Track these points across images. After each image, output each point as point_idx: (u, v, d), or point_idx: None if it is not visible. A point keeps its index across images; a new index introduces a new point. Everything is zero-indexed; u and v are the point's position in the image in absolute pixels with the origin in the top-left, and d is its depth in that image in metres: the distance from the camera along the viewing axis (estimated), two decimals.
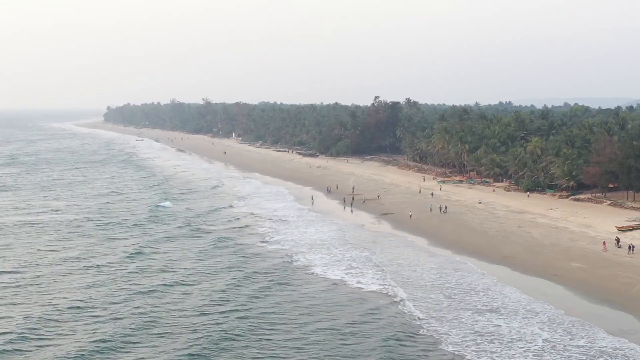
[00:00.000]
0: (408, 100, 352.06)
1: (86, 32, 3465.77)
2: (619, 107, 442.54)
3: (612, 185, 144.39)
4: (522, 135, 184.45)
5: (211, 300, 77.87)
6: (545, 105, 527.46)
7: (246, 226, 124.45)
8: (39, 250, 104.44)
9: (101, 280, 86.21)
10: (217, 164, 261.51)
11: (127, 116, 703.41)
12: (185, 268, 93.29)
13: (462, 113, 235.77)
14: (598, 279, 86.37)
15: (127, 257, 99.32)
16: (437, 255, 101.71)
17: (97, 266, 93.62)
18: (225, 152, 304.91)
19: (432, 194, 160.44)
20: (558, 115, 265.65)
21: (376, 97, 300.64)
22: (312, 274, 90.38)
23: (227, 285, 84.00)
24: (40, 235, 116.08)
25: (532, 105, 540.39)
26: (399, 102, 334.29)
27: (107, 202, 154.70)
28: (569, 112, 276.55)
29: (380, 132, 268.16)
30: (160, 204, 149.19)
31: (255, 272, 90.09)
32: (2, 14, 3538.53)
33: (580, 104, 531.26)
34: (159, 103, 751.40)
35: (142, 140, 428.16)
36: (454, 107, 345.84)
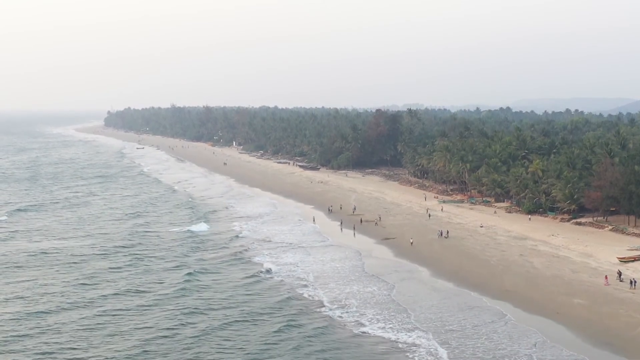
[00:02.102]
0: (409, 110, 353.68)
1: (85, 33, 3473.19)
2: (619, 116, 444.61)
3: (614, 209, 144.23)
4: (523, 154, 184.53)
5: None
6: (545, 111, 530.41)
7: (267, 254, 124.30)
8: (83, 284, 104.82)
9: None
10: (218, 176, 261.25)
11: (128, 121, 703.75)
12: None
13: (463, 130, 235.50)
14: (600, 317, 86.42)
15: (176, 294, 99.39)
16: (440, 290, 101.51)
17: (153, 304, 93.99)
18: (225, 164, 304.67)
19: (429, 216, 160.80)
20: (559, 127, 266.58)
21: (378, 110, 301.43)
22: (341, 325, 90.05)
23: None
24: (78, 268, 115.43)
25: (532, 111, 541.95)
26: (399, 114, 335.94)
27: (134, 229, 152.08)
28: (570, 125, 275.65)
29: (381, 145, 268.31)
30: (192, 228, 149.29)
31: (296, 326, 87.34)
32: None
33: (580, 110, 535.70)
34: (159, 108, 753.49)
35: (142, 148, 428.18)
36: (454, 118, 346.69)
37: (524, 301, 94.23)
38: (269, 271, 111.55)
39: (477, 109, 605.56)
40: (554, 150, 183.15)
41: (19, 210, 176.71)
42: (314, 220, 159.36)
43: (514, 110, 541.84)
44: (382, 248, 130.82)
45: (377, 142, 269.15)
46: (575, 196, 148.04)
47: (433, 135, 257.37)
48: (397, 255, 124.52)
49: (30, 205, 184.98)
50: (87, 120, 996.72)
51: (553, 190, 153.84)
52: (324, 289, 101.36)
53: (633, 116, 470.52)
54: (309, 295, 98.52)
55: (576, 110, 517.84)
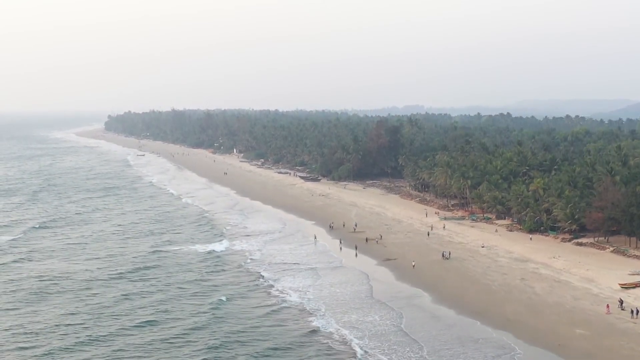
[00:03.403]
0: (410, 119, 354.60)
1: (84, 33, 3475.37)
2: (620, 123, 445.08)
3: (615, 229, 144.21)
4: (525, 170, 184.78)
5: None
6: (546, 116, 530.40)
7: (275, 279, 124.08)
8: (100, 315, 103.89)
9: None
10: (219, 188, 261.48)
11: (128, 126, 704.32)
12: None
13: (464, 144, 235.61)
14: (602, 350, 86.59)
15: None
16: (441, 318, 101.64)
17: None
18: (226, 173, 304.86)
19: (428, 234, 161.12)
20: (560, 138, 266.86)
21: (379, 122, 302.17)
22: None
23: None
24: (95, 295, 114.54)
25: (532, 117, 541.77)
26: (400, 123, 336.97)
27: (152, 248, 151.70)
28: (570, 137, 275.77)
29: (382, 157, 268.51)
30: (213, 248, 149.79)
31: None
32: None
33: (581, 115, 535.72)
34: (159, 112, 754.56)
35: (143, 155, 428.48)
36: (454, 127, 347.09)
37: (526, 331, 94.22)
38: (284, 300, 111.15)
39: (478, 114, 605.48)
40: (555, 167, 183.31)
41: (33, 228, 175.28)
42: (315, 238, 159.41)
43: (514, 115, 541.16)
44: (384, 270, 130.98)
45: (378, 154, 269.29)
46: (577, 216, 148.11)
47: (434, 146, 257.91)
48: (399, 278, 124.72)
49: (46, 222, 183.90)
50: (87, 122, 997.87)
51: (554, 210, 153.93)
52: (338, 321, 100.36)
53: (634, 121, 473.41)
54: (322, 326, 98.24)
55: (577, 116, 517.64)
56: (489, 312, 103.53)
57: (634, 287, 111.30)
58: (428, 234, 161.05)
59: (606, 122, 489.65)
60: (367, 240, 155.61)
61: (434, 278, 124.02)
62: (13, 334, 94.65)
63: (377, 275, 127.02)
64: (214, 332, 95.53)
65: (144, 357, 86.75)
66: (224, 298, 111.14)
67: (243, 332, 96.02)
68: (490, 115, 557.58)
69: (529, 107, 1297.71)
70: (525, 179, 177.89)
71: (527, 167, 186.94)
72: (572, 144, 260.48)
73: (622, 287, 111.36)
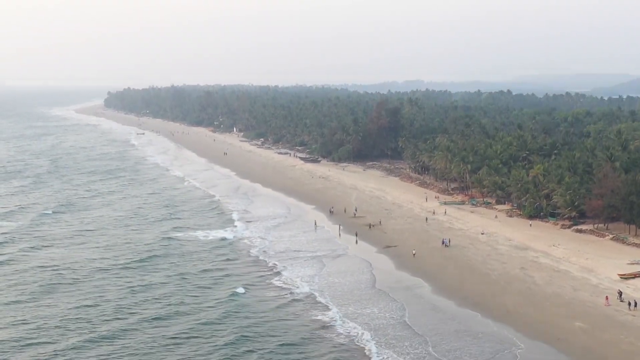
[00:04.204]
0: (410, 99, 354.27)
1: (82, 7, 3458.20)
2: (620, 100, 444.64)
3: (614, 215, 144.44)
4: (524, 155, 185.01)
5: None
6: (546, 94, 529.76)
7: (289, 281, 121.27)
8: (118, 307, 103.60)
9: None
10: (220, 169, 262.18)
11: (128, 103, 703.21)
12: None
13: (464, 127, 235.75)
14: (601, 345, 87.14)
15: None
16: (443, 310, 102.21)
17: None
18: (226, 154, 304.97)
19: (426, 219, 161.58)
20: (560, 119, 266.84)
21: (379, 104, 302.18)
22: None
23: None
24: (108, 286, 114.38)
25: (532, 94, 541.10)
26: (400, 103, 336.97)
27: (165, 235, 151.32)
28: (571, 117, 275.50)
29: (382, 138, 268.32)
30: (221, 235, 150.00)
31: None
32: None
33: (581, 92, 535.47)
34: (159, 88, 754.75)
35: (143, 133, 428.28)
36: (454, 107, 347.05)
37: (526, 324, 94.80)
38: (292, 291, 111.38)
39: (478, 90, 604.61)
40: (555, 152, 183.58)
41: (39, 214, 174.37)
42: (315, 224, 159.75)
43: (514, 93, 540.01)
44: (384, 258, 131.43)
45: (378, 135, 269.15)
46: (576, 203, 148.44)
47: (434, 128, 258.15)
48: (399, 267, 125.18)
49: (52, 207, 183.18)
50: (86, 98, 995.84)
51: (554, 196, 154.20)
52: (346, 314, 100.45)
53: (635, 99, 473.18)
54: (332, 320, 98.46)
55: (577, 94, 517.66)
56: (489, 303, 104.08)
57: (633, 278, 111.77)
58: (426, 220, 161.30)
59: (606, 99, 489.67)
60: (370, 226, 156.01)
61: (434, 267, 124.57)
62: (20, 329, 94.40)
63: (378, 263, 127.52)
64: (229, 326, 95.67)
65: (157, 353, 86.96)
66: (238, 290, 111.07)
67: (256, 326, 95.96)
68: (490, 93, 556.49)
69: (529, 81, 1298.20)
70: (525, 164, 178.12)
71: (527, 152, 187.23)
72: (573, 125, 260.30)
73: (622, 278, 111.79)
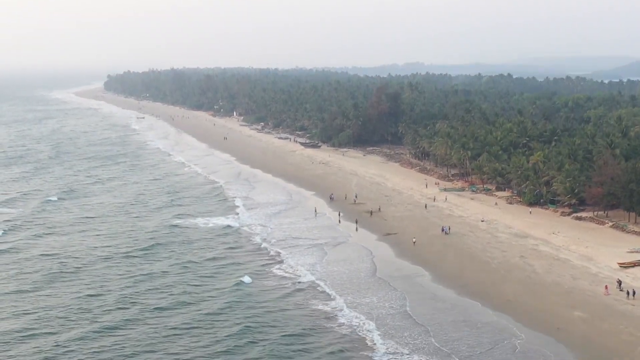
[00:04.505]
0: (410, 83, 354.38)
1: None
2: (620, 84, 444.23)
3: (614, 203, 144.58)
4: (525, 142, 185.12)
5: None
6: (547, 77, 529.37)
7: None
8: (123, 297, 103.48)
9: None
10: (220, 154, 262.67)
11: (128, 86, 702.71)
12: None
13: (465, 113, 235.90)
14: (600, 335, 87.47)
15: None
16: (443, 299, 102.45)
17: None
18: (226, 138, 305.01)
19: (425, 206, 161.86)
20: (561, 104, 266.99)
21: (379, 88, 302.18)
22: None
23: None
24: (113, 275, 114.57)
25: (533, 78, 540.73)
26: (400, 88, 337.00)
27: (169, 222, 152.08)
28: (571, 102, 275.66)
29: (382, 123, 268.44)
30: (224, 223, 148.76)
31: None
32: None
33: (582, 75, 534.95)
34: (158, 71, 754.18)
35: (143, 117, 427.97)
36: (455, 91, 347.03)
37: (526, 314, 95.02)
38: (296, 280, 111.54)
39: (479, 74, 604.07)
40: (555, 138, 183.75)
41: (41, 201, 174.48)
42: (315, 211, 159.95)
43: (515, 76, 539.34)
44: (384, 246, 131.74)
45: (379, 121, 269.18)
46: (576, 190, 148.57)
47: (434, 113, 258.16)
48: (399, 255, 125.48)
49: (55, 194, 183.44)
50: (86, 81, 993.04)
51: (554, 183, 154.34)
52: (348, 304, 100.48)
53: (635, 82, 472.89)
54: (335, 310, 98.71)
55: (577, 77, 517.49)
56: (489, 292, 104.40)
57: (632, 267, 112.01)
58: (425, 207, 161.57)
59: (607, 82, 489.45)
60: (371, 213, 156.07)
61: (434, 255, 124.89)
62: (23, 319, 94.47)
63: (378, 251, 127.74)
64: (232, 317, 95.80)
65: (161, 343, 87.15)
66: (244, 279, 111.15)
67: (259, 316, 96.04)
68: (490, 76, 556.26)
69: (530, 63, 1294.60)
70: (525, 151, 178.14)
71: (527, 138, 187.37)
72: (573, 110, 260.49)
73: (621, 267, 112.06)
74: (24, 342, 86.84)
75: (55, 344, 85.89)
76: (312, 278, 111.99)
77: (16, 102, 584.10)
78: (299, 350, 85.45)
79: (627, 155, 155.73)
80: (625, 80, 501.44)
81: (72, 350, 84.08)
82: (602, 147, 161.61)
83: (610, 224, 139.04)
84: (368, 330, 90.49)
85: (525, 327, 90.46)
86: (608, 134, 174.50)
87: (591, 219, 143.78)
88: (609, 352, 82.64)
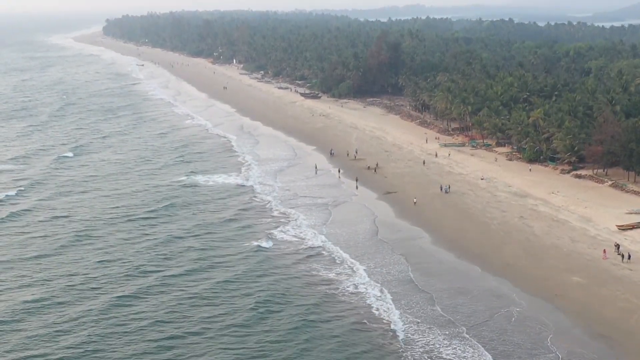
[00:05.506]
0: (410, 31, 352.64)
1: None
2: (622, 29, 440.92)
3: (614, 161, 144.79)
4: (525, 96, 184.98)
5: None
6: (548, 22, 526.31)
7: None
8: (139, 266, 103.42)
9: None
10: (221, 105, 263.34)
11: (126, 31, 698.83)
12: None
13: (466, 65, 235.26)
14: (598, 301, 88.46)
15: None
16: (443, 263, 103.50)
17: None
18: (225, 88, 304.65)
19: (423, 162, 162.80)
20: (562, 53, 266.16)
21: (379, 37, 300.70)
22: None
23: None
24: (128, 236, 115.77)
25: (534, 23, 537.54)
26: (401, 36, 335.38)
27: (185, 180, 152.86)
28: (572, 52, 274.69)
29: (382, 74, 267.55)
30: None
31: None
32: None
33: (583, 21, 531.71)
34: (157, 16, 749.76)
35: (142, 65, 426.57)
36: (455, 39, 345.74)
37: (525, 279, 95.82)
38: (306, 244, 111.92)
39: (479, 19, 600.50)
40: (556, 93, 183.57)
41: (53, 158, 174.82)
42: (316, 167, 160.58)
43: (516, 21, 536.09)
44: (384, 206, 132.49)
45: (379, 71, 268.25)
46: (576, 148, 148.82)
47: (435, 63, 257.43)
48: (399, 215, 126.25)
49: (65, 150, 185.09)
50: (84, 25, 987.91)
51: (554, 140, 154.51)
52: (355, 268, 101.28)
53: (637, 27, 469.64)
54: (342, 274, 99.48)
55: (579, 23, 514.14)
56: (489, 255, 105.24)
57: (631, 229, 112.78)
58: (424, 162, 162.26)
59: (608, 27, 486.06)
60: (375, 170, 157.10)
61: (434, 215, 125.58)
62: (38, 289, 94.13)
63: (378, 211, 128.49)
64: (256, 284, 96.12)
65: (188, 310, 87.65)
66: (263, 244, 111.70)
67: (277, 283, 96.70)
68: (491, 21, 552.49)
69: (531, 5, 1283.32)
70: (526, 106, 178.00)
71: (527, 93, 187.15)
72: (574, 60, 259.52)
73: (620, 229, 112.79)
74: (39, 314, 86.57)
75: (67, 316, 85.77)
76: (320, 242, 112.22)
77: (15, 48, 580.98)
78: (322, 320, 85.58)
79: (627, 112, 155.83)
80: (627, 25, 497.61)
81: (85, 323, 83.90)
82: (603, 104, 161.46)
83: (610, 182, 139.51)
84: (383, 301, 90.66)
85: (524, 293, 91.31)
86: (608, 89, 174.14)
87: (590, 177, 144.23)
88: (606, 320, 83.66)
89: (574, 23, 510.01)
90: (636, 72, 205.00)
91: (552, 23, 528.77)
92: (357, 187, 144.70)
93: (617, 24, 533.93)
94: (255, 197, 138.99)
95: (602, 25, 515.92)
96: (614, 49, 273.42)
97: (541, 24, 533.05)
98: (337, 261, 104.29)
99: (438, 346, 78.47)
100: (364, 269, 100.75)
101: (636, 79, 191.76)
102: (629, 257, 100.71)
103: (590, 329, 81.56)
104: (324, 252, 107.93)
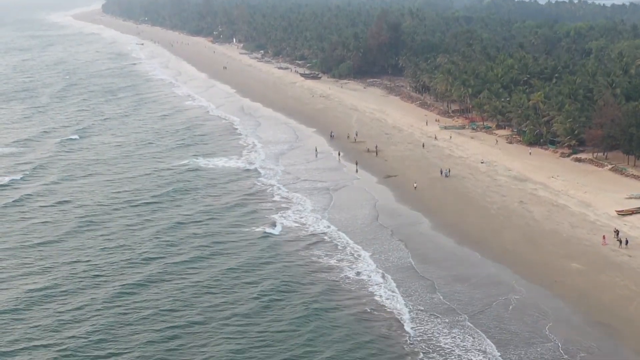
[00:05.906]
0: (410, 11, 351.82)
1: None
2: (624, 12, 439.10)
3: (614, 144, 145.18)
4: (525, 79, 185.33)
5: None
6: (549, 0, 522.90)
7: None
8: (147, 254, 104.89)
9: None
10: (221, 86, 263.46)
11: (125, 9, 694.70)
12: None
13: (466, 47, 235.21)
14: (597, 288, 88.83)
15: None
16: (443, 248, 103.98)
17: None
18: (225, 68, 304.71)
19: (423, 145, 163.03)
20: (562, 34, 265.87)
21: (379, 17, 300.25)
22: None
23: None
24: (135, 221, 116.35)
25: (535, 1, 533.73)
26: (401, 16, 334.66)
27: (189, 164, 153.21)
28: (573, 32, 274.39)
29: (382, 54, 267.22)
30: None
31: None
32: None
33: None
34: None
35: (142, 44, 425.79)
36: (456, 18, 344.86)
37: (524, 265, 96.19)
38: (310, 230, 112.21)
39: None
40: (556, 75, 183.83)
41: (56, 142, 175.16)
42: (316, 150, 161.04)
43: (516, 1, 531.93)
44: (384, 190, 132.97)
45: (379, 52, 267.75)
46: (576, 132, 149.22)
47: (435, 44, 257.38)
48: (399, 200, 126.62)
49: (68, 133, 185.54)
50: (84, 2, 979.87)
51: (554, 124, 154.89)
52: (357, 255, 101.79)
53: (638, 6, 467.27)
54: (345, 261, 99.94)
55: (580, 1, 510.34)
56: (489, 241, 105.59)
57: (630, 214, 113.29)
58: (423, 145, 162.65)
59: (609, 6, 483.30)
60: (376, 153, 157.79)
61: (434, 199, 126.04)
62: (44, 277, 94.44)
63: (378, 195, 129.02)
64: (260, 272, 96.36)
65: (194, 298, 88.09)
66: (267, 230, 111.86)
67: (284, 270, 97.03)
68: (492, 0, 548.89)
69: None
70: (526, 88, 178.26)
71: (528, 75, 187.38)
72: (575, 40, 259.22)
73: (619, 214, 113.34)
74: (42, 303, 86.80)
75: (71, 305, 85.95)
76: (323, 228, 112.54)
77: (15, 27, 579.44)
78: (331, 308, 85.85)
79: (627, 95, 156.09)
80: (628, 3, 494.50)
81: (89, 312, 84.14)
82: (603, 87, 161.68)
83: (610, 166, 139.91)
84: (387, 289, 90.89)
85: (523, 280, 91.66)
86: (609, 72, 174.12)
87: (590, 161, 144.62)
88: (605, 307, 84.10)
89: (575, 1, 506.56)
90: (637, 53, 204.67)
91: (553, 1, 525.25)
92: (357, 171, 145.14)
93: (618, 1, 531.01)
94: (258, 181, 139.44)
95: (603, 4, 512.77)
96: (614, 29, 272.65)
97: (542, 1, 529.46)
98: (339, 247, 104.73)
99: (444, 334, 79.07)
100: (369, 255, 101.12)
101: (636, 60, 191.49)
102: (627, 242, 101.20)
103: (589, 317, 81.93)
104: (326, 238, 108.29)
